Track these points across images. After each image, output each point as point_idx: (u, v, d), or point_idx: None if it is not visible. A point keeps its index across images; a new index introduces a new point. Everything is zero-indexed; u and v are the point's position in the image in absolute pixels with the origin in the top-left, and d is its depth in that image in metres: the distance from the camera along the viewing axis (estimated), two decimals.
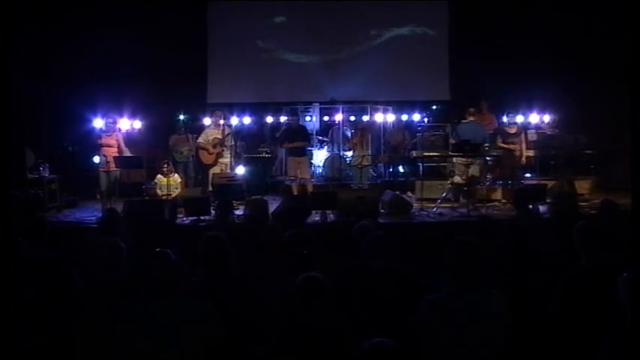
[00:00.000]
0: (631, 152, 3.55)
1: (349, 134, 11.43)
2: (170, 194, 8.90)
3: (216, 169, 9.43)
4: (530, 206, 6.18)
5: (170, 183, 9.08)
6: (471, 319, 2.91)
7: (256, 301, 3.51)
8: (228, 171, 9.51)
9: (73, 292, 3.13)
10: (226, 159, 9.56)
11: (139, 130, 10.99)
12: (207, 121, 10.44)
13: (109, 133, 9.01)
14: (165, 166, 9.18)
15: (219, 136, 9.42)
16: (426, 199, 8.89)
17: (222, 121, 9.65)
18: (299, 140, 9.55)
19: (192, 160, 10.15)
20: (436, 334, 2.92)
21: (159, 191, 9.16)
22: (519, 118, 10.06)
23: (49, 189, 9.21)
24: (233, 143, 9.71)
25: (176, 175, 9.34)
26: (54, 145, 10.85)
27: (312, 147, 11.08)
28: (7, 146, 3.90)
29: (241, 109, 11.60)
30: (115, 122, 9.19)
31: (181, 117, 11.05)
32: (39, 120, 10.29)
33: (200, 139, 9.58)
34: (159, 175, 9.25)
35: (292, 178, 9.65)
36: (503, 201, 9.06)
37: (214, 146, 9.42)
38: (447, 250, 3.05)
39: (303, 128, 10.20)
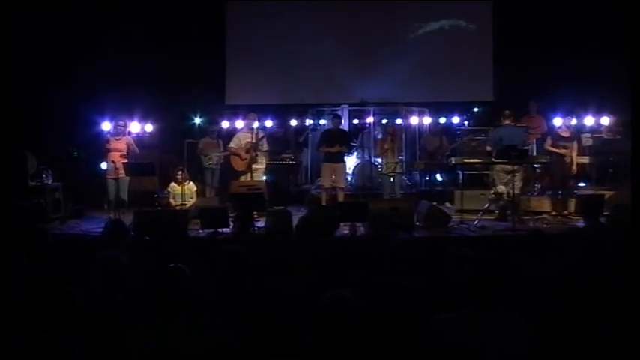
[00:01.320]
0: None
1: (380, 138, 11.36)
2: (185, 204, 8.93)
3: (244, 176, 9.45)
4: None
5: (185, 192, 9.07)
6: (487, 342, 2.86)
7: (277, 322, 3.48)
8: (263, 178, 9.54)
9: (75, 312, 3.13)
10: (261, 165, 9.65)
11: (151, 134, 11.09)
12: (239, 124, 10.51)
13: (118, 137, 9.11)
14: (180, 173, 9.17)
15: (252, 141, 9.45)
16: (467, 210, 8.83)
17: (256, 124, 9.69)
18: (338, 145, 9.56)
19: (219, 168, 10.21)
20: (445, 357, 2.89)
21: (172, 201, 9.18)
22: (573, 122, 9.87)
23: (53, 198, 9.29)
24: (268, 148, 9.76)
25: (191, 183, 9.35)
26: (58, 150, 10.94)
27: (351, 153, 11.06)
28: (6, 151, 3.95)
29: (263, 111, 11.63)
30: (125, 125, 9.30)
31: (197, 120, 11.12)
32: (41, 123, 10.46)
33: (231, 144, 9.64)
34: (172, 184, 9.26)
35: (324, 186, 9.65)
36: (553, 213, 8.89)
37: (247, 151, 9.46)
38: (466, 268, 3.01)
39: (345, 133, 10.23)
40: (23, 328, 3.04)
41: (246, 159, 9.45)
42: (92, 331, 3.13)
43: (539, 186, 9.64)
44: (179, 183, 9.13)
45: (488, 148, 8.95)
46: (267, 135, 9.95)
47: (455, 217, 8.65)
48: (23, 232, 5.31)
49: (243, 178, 9.45)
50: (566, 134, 9.17)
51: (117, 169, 8.77)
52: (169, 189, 9.28)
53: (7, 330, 3.00)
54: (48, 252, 4.84)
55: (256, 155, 9.48)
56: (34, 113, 10.08)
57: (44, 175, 9.38)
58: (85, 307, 3.24)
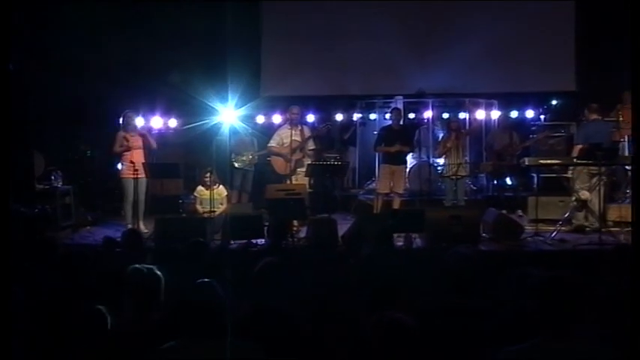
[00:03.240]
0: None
1: (441, 136, 11.34)
2: (214, 211, 8.96)
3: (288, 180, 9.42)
4: None
5: (214, 197, 9.10)
6: None
7: (318, 346, 3.51)
8: (305, 181, 9.46)
9: (89, 333, 3.21)
10: (301, 167, 9.45)
11: (175, 130, 11.26)
12: (276, 118, 10.56)
13: (133, 133, 9.27)
14: (208, 175, 9.17)
15: (299, 139, 9.41)
16: (543, 220, 8.74)
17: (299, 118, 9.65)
18: (399, 144, 9.56)
19: (253, 170, 10.29)
20: None
21: (199, 207, 9.27)
22: None
23: (63, 203, 9.45)
24: (315, 147, 9.70)
25: (221, 187, 9.41)
26: (69, 149, 11.14)
27: (413, 153, 11.08)
28: (8, 150, 4.04)
29: (303, 103, 11.61)
30: (132, 117, 9.35)
31: (228, 114, 11.13)
32: (50, 119, 10.59)
33: (272, 143, 9.60)
34: (200, 187, 9.33)
35: (379, 191, 9.66)
36: None
37: (293, 152, 9.42)
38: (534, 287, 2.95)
39: (406, 129, 10.23)
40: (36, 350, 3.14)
41: (291, 160, 9.41)
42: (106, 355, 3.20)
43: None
44: (207, 187, 9.14)
45: (579, 146, 8.74)
46: (315, 134, 9.84)
47: (528, 228, 8.57)
48: (29, 242, 5.44)
49: (294, 182, 9.43)
50: None
51: (136, 169, 8.89)
52: (196, 193, 9.36)
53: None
54: (58, 264, 4.94)
55: (303, 157, 9.43)
56: (42, 107, 10.21)
57: (53, 177, 9.55)
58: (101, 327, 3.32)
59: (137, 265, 3.84)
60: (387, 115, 11.38)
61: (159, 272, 3.81)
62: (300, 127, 9.52)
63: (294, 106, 9.71)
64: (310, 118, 11.69)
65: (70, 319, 3.26)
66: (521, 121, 11.81)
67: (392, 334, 2.97)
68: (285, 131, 9.53)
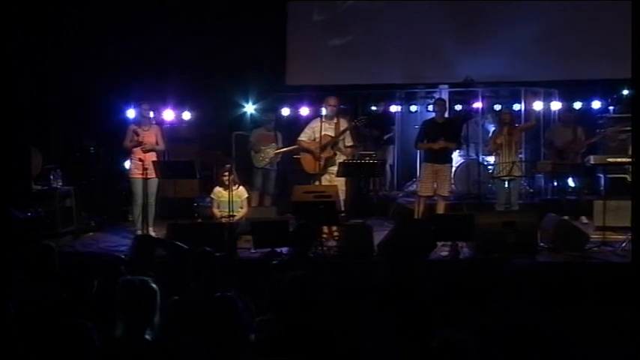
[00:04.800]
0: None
1: (492, 130, 11.16)
2: (233, 215, 8.98)
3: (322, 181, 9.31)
4: None
5: (233, 199, 9.10)
6: None
7: None
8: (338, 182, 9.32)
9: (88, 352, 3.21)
10: (333, 165, 9.29)
11: (189, 123, 11.30)
12: (303, 110, 10.53)
13: (146, 127, 9.30)
14: (227, 174, 9.21)
15: (331, 134, 9.31)
16: (611, 227, 8.69)
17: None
18: (443, 140, 9.50)
19: (276, 169, 10.32)
20: None
21: (217, 211, 9.34)
22: None
23: (62, 206, 9.48)
24: (352, 143, 9.54)
25: (241, 188, 9.44)
26: (70, 145, 11.21)
27: (460, 150, 11.04)
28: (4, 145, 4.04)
29: (333, 94, 11.62)
30: (151, 110, 9.44)
31: (250, 106, 11.18)
32: (49, 112, 10.64)
33: (302, 137, 9.53)
34: (217, 188, 9.39)
35: (420, 193, 9.62)
36: None
37: (323, 148, 9.32)
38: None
39: (453, 123, 10.22)
40: None
41: (321, 158, 9.30)
42: None
43: None
44: (226, 187, 9.16)
45: None
46: (354, 125, 9.59)
47: (595, 237, 8.52)
48: (24, 250, 5.47)
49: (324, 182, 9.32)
50: None
51: (145, 168, 8.91)
52: (213, 195, 9.41)
53: None
54: (56, 276, 4.92)
55: (335, 154, 9.32)
56: (41, 99, 10.24)
57: (52, 177, 9.59)
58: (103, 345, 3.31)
59: (129, 277, 3.84)
60: (430, 107, 11.30)
61: (154, 285, 3.79)
62: (335, 121, 9.41)
63: (332, 97, 9.58)
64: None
65: (54, 337, 3.27)
66: (587, 113, 11.69)
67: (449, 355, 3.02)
68: (319, 124, 9.44)
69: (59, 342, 3.24)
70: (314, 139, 9.40)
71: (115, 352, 3.46)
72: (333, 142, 9.29)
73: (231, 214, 8.92)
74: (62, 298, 4.60)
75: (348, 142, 9.47)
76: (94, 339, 3.29)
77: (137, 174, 9.11)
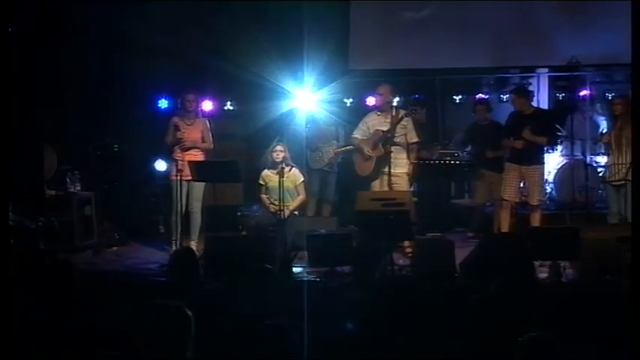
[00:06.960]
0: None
1: (603, 124, 11.11)
2: (286, 206, 8.96)
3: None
4: None
5: (286, 185, 9.05)
6: None
7: None
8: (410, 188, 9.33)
9: None
10: (401, 168, 9.29)
11: (232, 115, 11.36)
12: (370, 101, 10.42)
13: (190, 121, 9.26)
14: (278, 149, 9.22)
15: (385, 128, 9.24)
16: None
17: (394, 101, 9.56)
18: (529, 132, 9.31)
19: (336, 171, 10.34)
20: None
21: (265, 197, 9.40)
22: None
23: (81, 215, 9.62)
24: (417, 140, 9.48)
25: (295, 170, 9.44)
26: (90, 143, 11.21)
27: (553, 149, 11.07)
28: (7, 144, 4.03)
29: (403, 79, 11.57)
30: (196, 101, 9.43)
31: (305, 96, 11.06)
32: (66, 105, 10.76)
33: (356, 133, 9.60)
34: (266, 171, 9.45)
35: (504, 200, 9.50)
36: None
37: (374, 146, 9.29)
38: None
39: (545, 114, 10.25)
40: None
41: (372, 157, 9.28)
42: None
43: None
44: (278, 169, 9.03)
45: None
46: (401, 117, 9.35)
47: None
48: (35, 267, 5.50)
49: (376, 188, 9.25)
50: None
51: (180, 170, 8.92)
52: (261, 180, 9.39)
53: None
54: (74, 298, 4.93)
55: (390, 152, 9.18)
56: (56, 91, 10.34)
57: (68, 180, 9.70)
58: None
59: (159, 300, 3.85)
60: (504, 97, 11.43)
61: (189, 311, 3.77)
62: (392, 113, 9.33)
63: (383, 85, 9.69)
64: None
65: None
66: None
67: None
68: (373, 118, 9.51)
69: None
70: (366, 136, 9.46)
71: None
72: (385, 138, 9.19)
73: (283, 204, 8.83)
74: (80, 327, 4.55)
75: (412, 137, 9.41)
76: None
77: (174, 176, 9.09)
